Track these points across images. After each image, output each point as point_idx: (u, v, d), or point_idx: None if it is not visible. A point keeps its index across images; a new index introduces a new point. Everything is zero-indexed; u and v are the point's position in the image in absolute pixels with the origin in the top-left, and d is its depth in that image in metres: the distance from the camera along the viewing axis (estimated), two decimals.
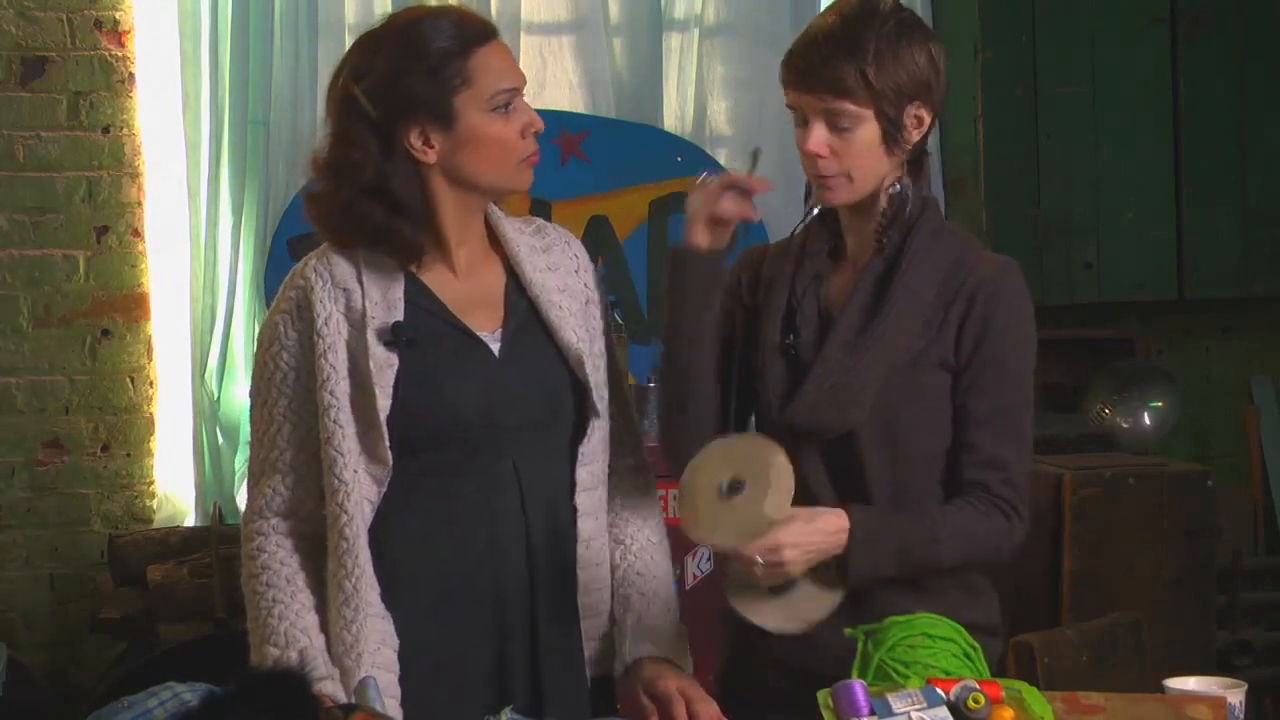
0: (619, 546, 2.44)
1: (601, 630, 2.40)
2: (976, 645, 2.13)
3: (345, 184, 2.30)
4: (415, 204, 2.30)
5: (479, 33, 2.31)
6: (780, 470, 2.13)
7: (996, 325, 2.36)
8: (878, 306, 2.37)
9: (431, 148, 2.29)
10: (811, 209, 2.44)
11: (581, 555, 2.37)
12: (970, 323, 2.35)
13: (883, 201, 2.39)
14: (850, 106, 2.30)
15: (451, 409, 2.29)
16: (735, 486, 2.09)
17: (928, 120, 2.36)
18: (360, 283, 2.31)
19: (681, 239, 2.40)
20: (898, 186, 2.38)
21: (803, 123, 2.34)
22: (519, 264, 2.39)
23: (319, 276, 2.31)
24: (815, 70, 2.31)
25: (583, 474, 2.38)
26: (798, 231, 2.47)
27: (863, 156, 2.33)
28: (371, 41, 2.33)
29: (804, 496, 2.30)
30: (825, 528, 2.24)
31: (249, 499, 2.35)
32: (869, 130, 2.32)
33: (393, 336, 2.28)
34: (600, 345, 2.45)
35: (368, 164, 2.28)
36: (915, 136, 2.36)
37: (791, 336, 2.40)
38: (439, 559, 2.30)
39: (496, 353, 2.34)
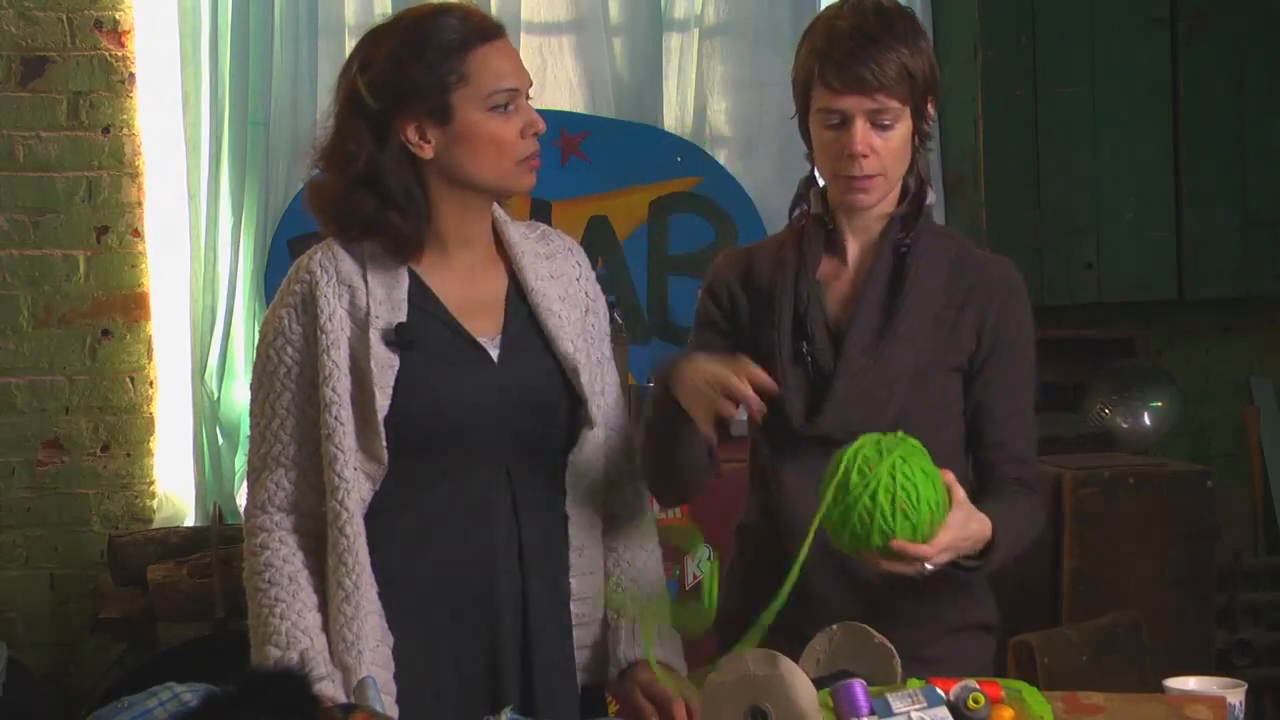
0: (612, 554, 2.45)
1: (594, 638, 2.40)
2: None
3: (340, 174, 2.31)
4: (409, 198, 2.30)
5: (483, 30, 2.30)
6: (804, 694, 2.00)
7: (1015, 327, 2.42)
8: (892, 307, 2.38)
9: (428, 143, 2.29)
10: (800, 214, 2.46)
11: (574, 563, 2.37)
12: (989, 324, 2.40)
13: (901, 194, 2.42)
14: (895, 103, 2.34)
15: (448, 412, 2.29)
16: (758, 716, 2.04)
17: (933, 111, 2.42)
18: (365, 280, 2.31)
19: (676, 382, 2.29)
20: (912, 183, 2.43)
21: (838, 124, 2.35)
22: (522, 270, 2.39)
23: (324, 271, 2.31)
24: (863, 68, 2.32)
25: (574, 482, 2.38)
26: (787, 234, 2.48)
27: (898, 153, 2.38)
28: (379, 35, 2.34)
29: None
30: (973, 535, 2.24)
31: (250, 493, 2.35)
32: (905, 127, 2.37)
33: (396, 337, 2.28)
34: (598, 355, 2.45)
35: (361, 155, 2.29)
36: (927, 129, 2.42)
37: (805, 345, 2.40)
38: (431, 560, 2.30)
39: (495, 358, 2.34)
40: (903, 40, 2.34)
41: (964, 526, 2.20)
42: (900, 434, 2.17)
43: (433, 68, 2.27)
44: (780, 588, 2.40)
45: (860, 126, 2.33)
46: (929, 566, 2.18)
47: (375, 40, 2.34)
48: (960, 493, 2.20)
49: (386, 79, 2.29)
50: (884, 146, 2.35)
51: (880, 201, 2.41)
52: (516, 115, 2.30)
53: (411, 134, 2.29)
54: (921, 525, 2.13)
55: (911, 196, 2.44)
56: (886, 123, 2.34)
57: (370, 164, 2.29)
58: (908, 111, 2.36)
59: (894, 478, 2.11)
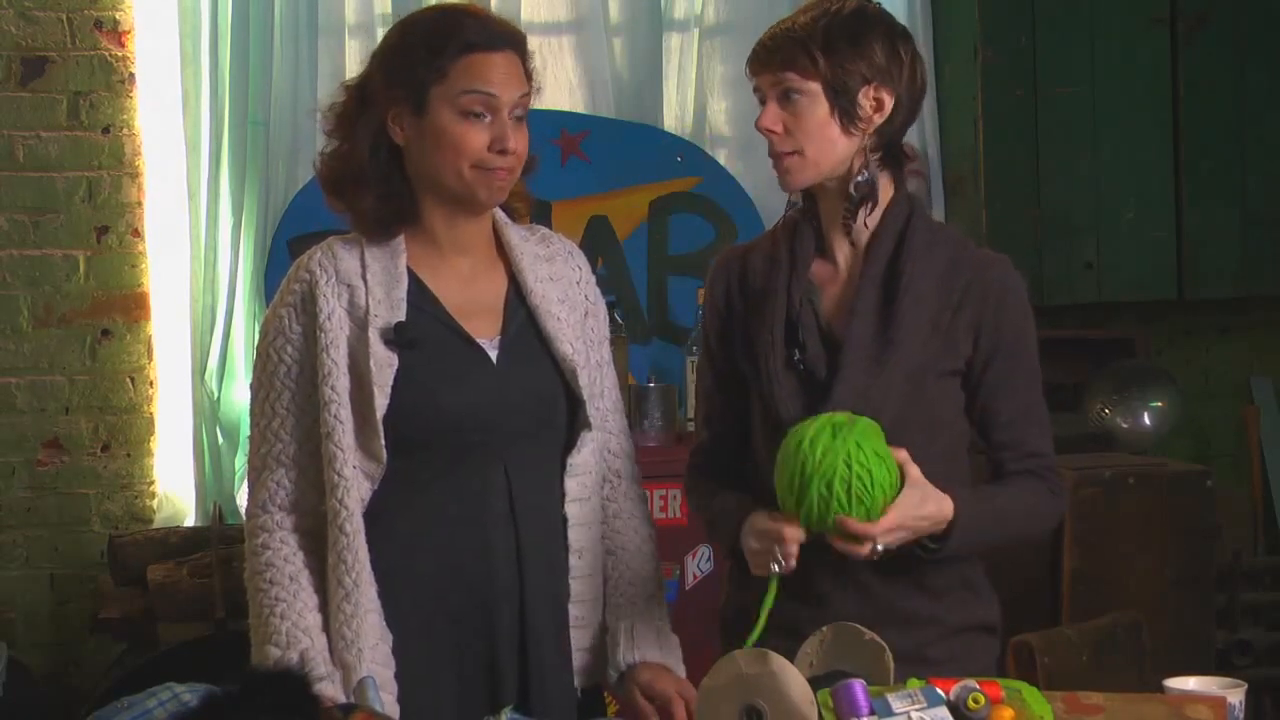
0: (610, 556, 2.45)
1: (592, 641, 2.40)
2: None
3: (334, 138, 2.36)
4: (382, 177, 2.33)
5: (490, 39, 2.32)
6: (797, 689, 2.02)
7: (1014, 326, 2.40)
8: (887, 313, 2.36)
9: (401, 129, 2.32)
10: (791, 206, 2.47)
11: (573, 565, 2.37)
12: (987, 326, 2.38)
13: (849, 187, 2.39)
14: (796, 79, 2.33)
15: (447, 412, 2.29)
16: (753, 715, 2.02)
17: (889, 104, 2.36)
18: (364, 280, 2.31)
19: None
20: (864, 174, 2.38)
21: (762, 104, 2.38)
22: (521, 272, 2.40)
23: (324, 270, 2.32)
24: (768, 50, 2.36)
25: (573, 485, 2.38)
26: (779, 231, 2.48)
27: (815, 134, 2.35)
28: (415, 14, 2.39)
29: None
30: (929, 515, 2.25)
31: (251, 493, 2.36)
32: (820, 106, 2.34)
33: (395, 336, 2.29)
34: (597, 357, 2.45)
35: (347, 124, 2.34)
36: (876, 119, 2.37)
37: (798, 352, 2.39)
38: (430, 560, 2.31)
39: (494, 359, 2.34)
40: (821, 31, 2.33)
41: (917, 506, 2.22)
42: (850, 415, 2.20)
43: (424, 59, 2.29)
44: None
45: (770, 105, 2.36)
46: (879, 546, 2.20)
47: (408, 18, 2.38)
48: (914, 471, 2.22)
49: (390, 57, 2.33)
50: (795, 125, 2.35)
51: (809, 183, 2.39)
52: (489, 127, 2.31)
53: (392, 119, 2.32)
54: (875, 508, 2.16)
55: (862, 182, 2.39)
56: (793, 99, 2.34)
57: (349, 134, 2.33)
58: (818, 89, 2.33)
59: (849, 465, 2.14)
